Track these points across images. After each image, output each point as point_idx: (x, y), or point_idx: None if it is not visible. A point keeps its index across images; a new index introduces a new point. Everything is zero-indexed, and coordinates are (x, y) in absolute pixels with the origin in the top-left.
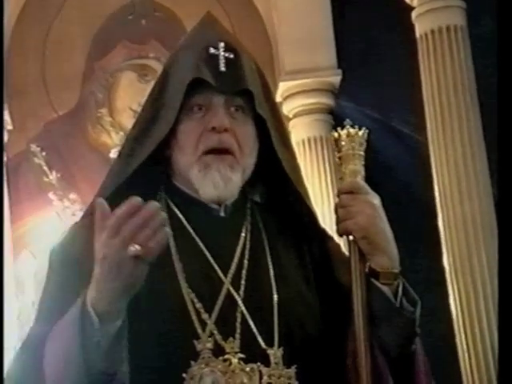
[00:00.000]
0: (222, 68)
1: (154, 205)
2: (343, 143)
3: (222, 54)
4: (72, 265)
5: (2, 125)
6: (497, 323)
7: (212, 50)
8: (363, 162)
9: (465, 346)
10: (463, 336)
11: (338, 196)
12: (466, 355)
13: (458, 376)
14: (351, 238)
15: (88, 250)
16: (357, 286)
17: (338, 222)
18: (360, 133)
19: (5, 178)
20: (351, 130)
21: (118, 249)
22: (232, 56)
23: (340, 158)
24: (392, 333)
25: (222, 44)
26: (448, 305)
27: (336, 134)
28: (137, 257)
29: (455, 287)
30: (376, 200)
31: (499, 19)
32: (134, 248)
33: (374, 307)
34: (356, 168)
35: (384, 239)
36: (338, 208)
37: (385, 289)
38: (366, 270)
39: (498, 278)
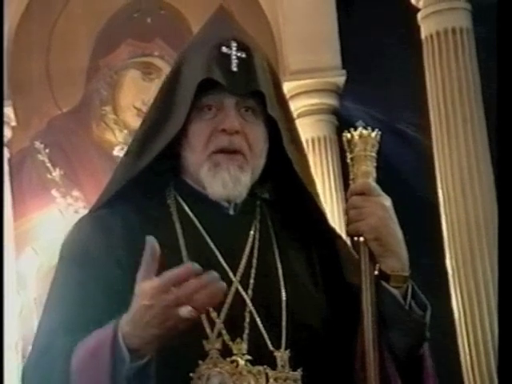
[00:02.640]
0: (234, 68)
1: (215, 274)
2: (355, 144)
3: (234, 53)
4: (88, 264)
5: (1, 122)
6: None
7: (224, 49)
8: (375, 164)
9: (467, 349)
10: (465, 338)
11: (350, 197)
12: (468, 358)
13: (460, 379)
14: (362, 239)
15: (105, 249)
16: (366, 287)
17: (349, 222)
18: (373, 134)
19: (6, 175)
20: (364, 132)
21: (169, 306)
22: (244, 55)
23: (352, 158)
24: (401, 335)
25: (234, 43)
26: (450, 307)
27: (348, 135)
28: (183, 320)
29: (458, 289)
30: (388, 202)
31: (498, 20)
32: (187, 309)
33: (384, 309)
34: (368, 169)
35: (395, 241)
36: (349, 209)
37: (394, 291)
38: (376, 272)
39: (498, 278)
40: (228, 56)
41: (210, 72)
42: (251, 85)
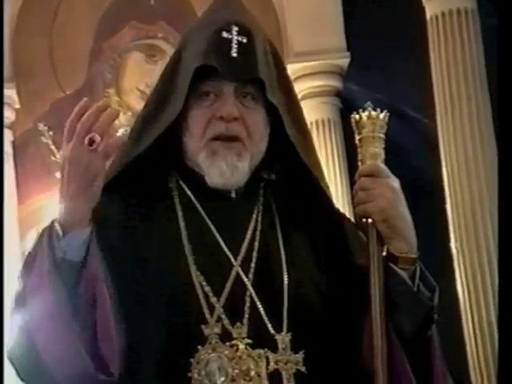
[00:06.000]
0: (234, 54)
1: (103, 101)
2: (364, 125)
3: (235, 38)
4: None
5: (1, 106)
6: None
7: (225, 34)
8: (383, 145)
9: (471, 332)
10: (470, 319)
11: (358, 179)
12: (473, 339)
13: (464, 359)
14: (370, 220)
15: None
16: (374, 269)
17: (358, 204)
18: (381, 115)
19: (10, 158)
20: (373, 113)
21: (75, 145)
22: (245, 40)
23: (360, 140)
24: (409, 317)
25: (235, 28)
26: (455, 288)
27: (357, 116)
28: (94, 150)
29: (462, 271)
30: (396, 184)
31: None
32: (89, 136)
33: (392, 291)
34: (376, 151)
35: (403, 223)
36: (357, 190)
37: (402, 273)
38: (384, 253)
39: (498, 266)
40: (228, 41)
41: (207, 58)
42: (251, 71)
